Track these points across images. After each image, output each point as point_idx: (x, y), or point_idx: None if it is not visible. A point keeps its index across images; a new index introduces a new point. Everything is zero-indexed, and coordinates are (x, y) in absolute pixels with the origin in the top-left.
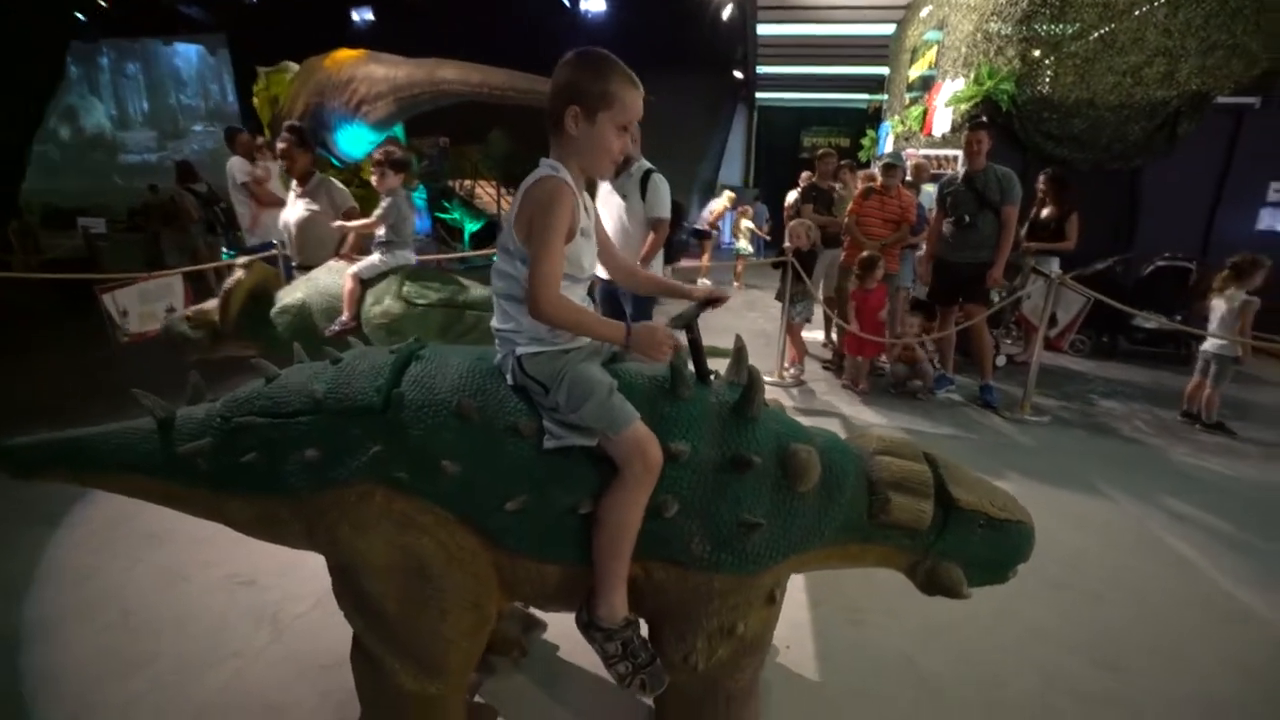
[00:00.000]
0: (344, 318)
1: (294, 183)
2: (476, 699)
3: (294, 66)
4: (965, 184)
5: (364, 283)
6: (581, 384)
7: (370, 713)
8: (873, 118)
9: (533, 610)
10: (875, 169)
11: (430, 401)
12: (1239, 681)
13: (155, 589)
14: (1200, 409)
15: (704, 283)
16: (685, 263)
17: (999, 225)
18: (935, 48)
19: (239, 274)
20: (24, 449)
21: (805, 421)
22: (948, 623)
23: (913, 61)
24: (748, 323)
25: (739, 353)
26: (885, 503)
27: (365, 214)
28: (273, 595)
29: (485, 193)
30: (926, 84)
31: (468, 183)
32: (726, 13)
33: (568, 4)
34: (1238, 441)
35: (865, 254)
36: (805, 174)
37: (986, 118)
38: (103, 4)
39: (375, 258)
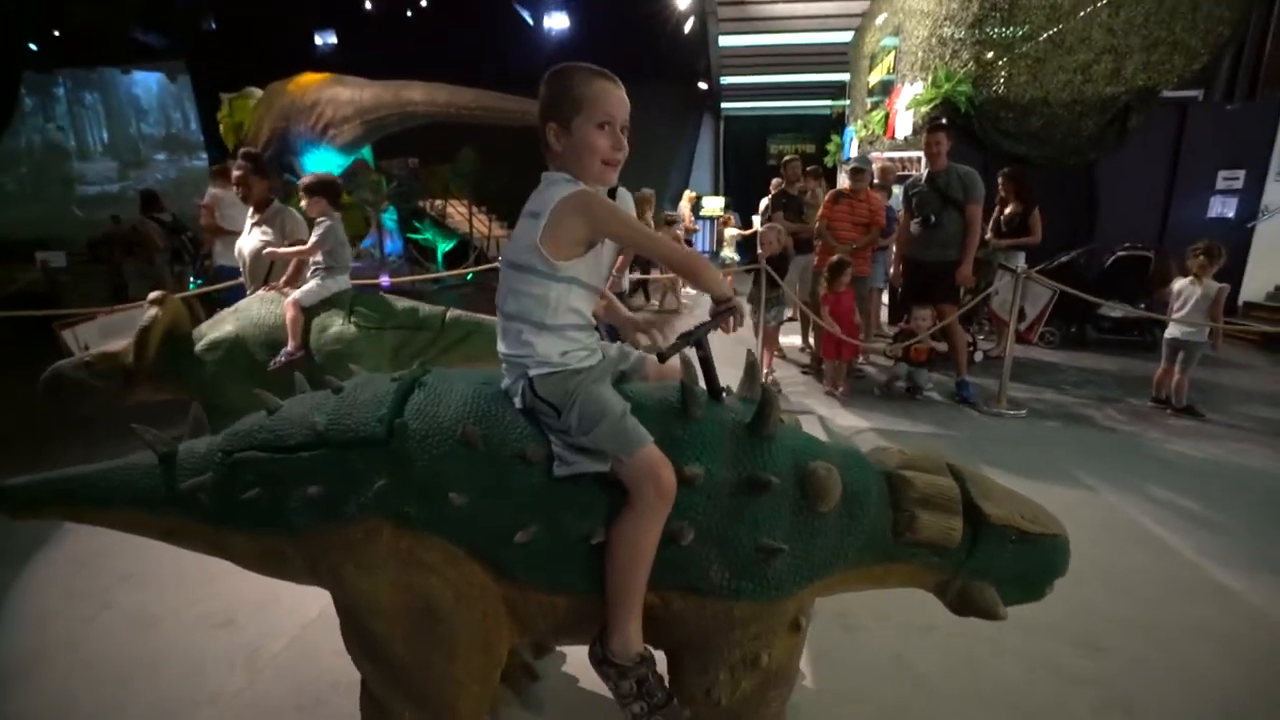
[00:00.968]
0: (289, 348)
1: (250, 210)
2: None
3: (257, 92)
4: (929, 184)
5: (305, 310)
6: (594, 405)
7: None
8: (837, 123)
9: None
10: (843, 173)
11: (434, 430)
12: (1214, 654)
13: (124, 634)
14: (1170, 394)
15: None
16: (658, 275)
17: (964, 223)
18: (893, 53)
19: (153, 311)
20: (22, 488)
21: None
22: (934, 621)
23: (872, 67)
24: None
25: (750, 368)
26: (911, 520)
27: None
28: (249, 635)
29: (457, 212)
30: (886, 88)
31: (439, 202)
32: (688, 26)
33: (531, 22)
34: (1207, 424)
35: (834, 258)
36: (776, 180)
37: (946, 119)
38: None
39: (314, 284)
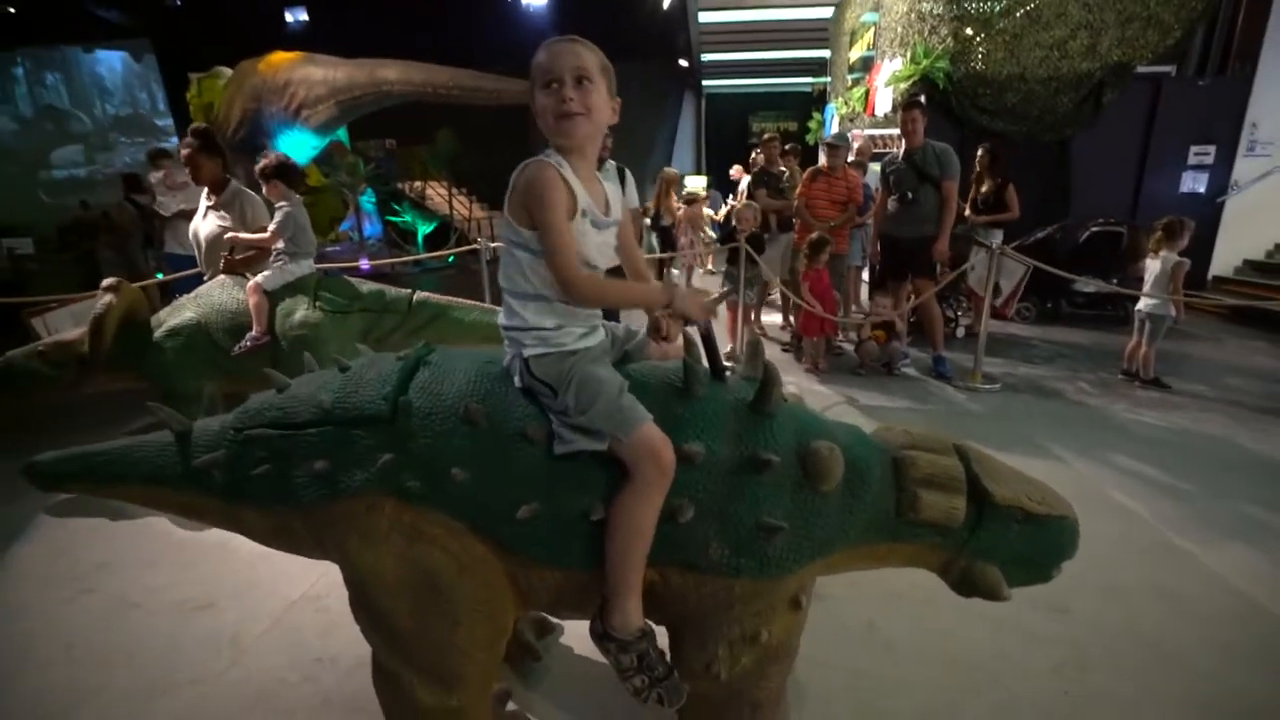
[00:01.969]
0: (254, 333)
1: (205, 192)
2: (509, 706)
3: (227, 71)
4: (906, 161)
5: (269, 295)
6: (590, 384)
7: None
8: (819, 100)
9: (546, 615)
10: (822, 151)
11: (438, 408)
12: (1169, 613)
13: (102, 619)
14: (1138, 367)
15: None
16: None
17: (940, 199)
18: (873, 29)
19: (108, 298)
20: (50, 463)
21: None
22: (905, 588)
23: (852, 43)
24: None
25: (754, 346)
26: (914, 500)
27: (316, 221)
28: (230, 617)
29: (436, 193)
30: (866, 65)
31: (418, 184)
32: (667, 1)
33: None
34: (1173, 395)
35: (813, 235)
36: (753, 156)
37: (925, 95)
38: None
39: (277, 268)
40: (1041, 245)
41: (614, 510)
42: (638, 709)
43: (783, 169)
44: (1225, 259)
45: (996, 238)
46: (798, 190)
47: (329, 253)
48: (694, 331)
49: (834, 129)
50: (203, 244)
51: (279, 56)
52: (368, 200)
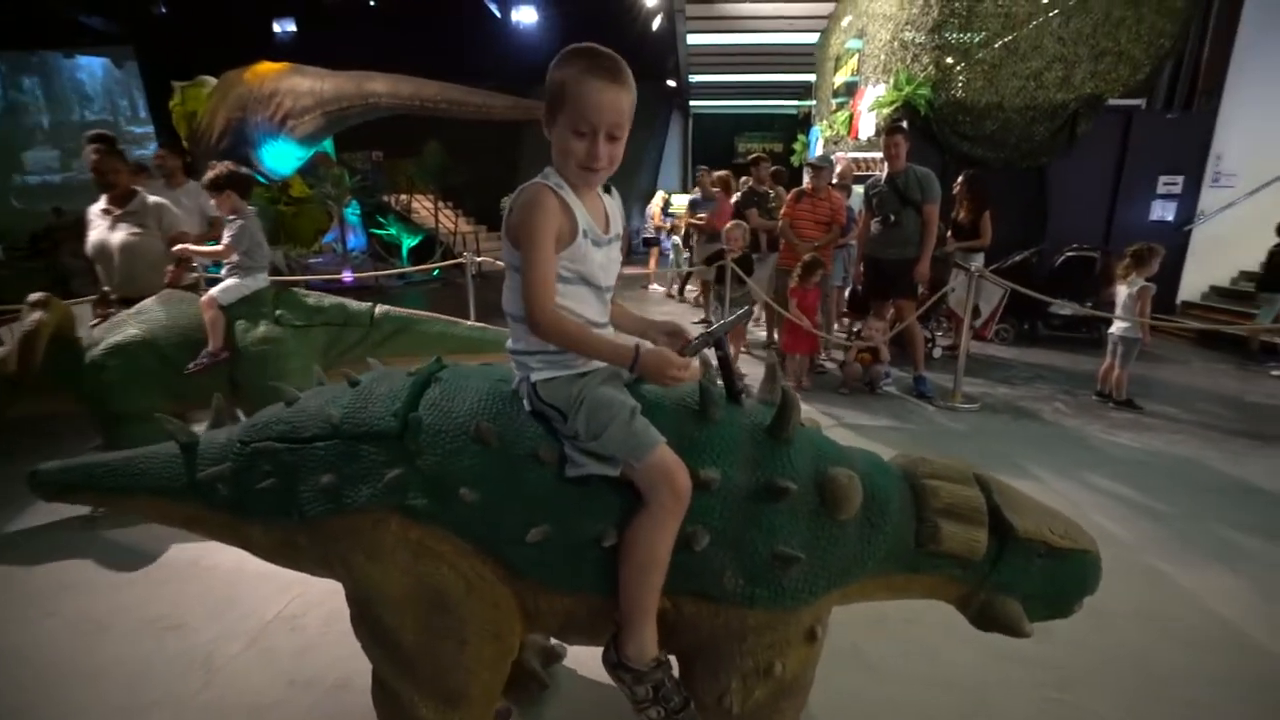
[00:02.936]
0: (212, 348)
1: (103, 204)
2: None
3: (212, 80)
4: (888, 184)
5: (224, 309)
6: (602, 409)
7: None
8: (803, 123)
9: (553, 641)
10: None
11: (448, 426)
12: (1148, 634)
13: (68, 641)
14: (1111, 388)
15: (655, 288)
16: (631, 270)
17: (922, 223)
18: (857, 55)
19: (38, 314)
20: (53, 472)
21: None
22: (890, 609)
23: (837, 69)
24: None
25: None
26: (935, 531)
27: (300, 232)
28: (203, 637)
29: (423, 207)
30: (851, 89)
31: (404, 197)
32: (656, 23)
33: (498, 14)
34: (1145, 416)
35: (808, 257)
36: (744, 179)
37: (907, 121)
38: None
39: (232, 282)
40: (1019, 269)
41: (628, 537)
42: None
43: (769, 189)
44: (1193, 285)
45: (976, 261)
46: (783, 211)
47: (312, 264)
48: (711, 354)
49: (818, 151)
50: (115, 256)
51: (265, 66)
52: (353, 212)
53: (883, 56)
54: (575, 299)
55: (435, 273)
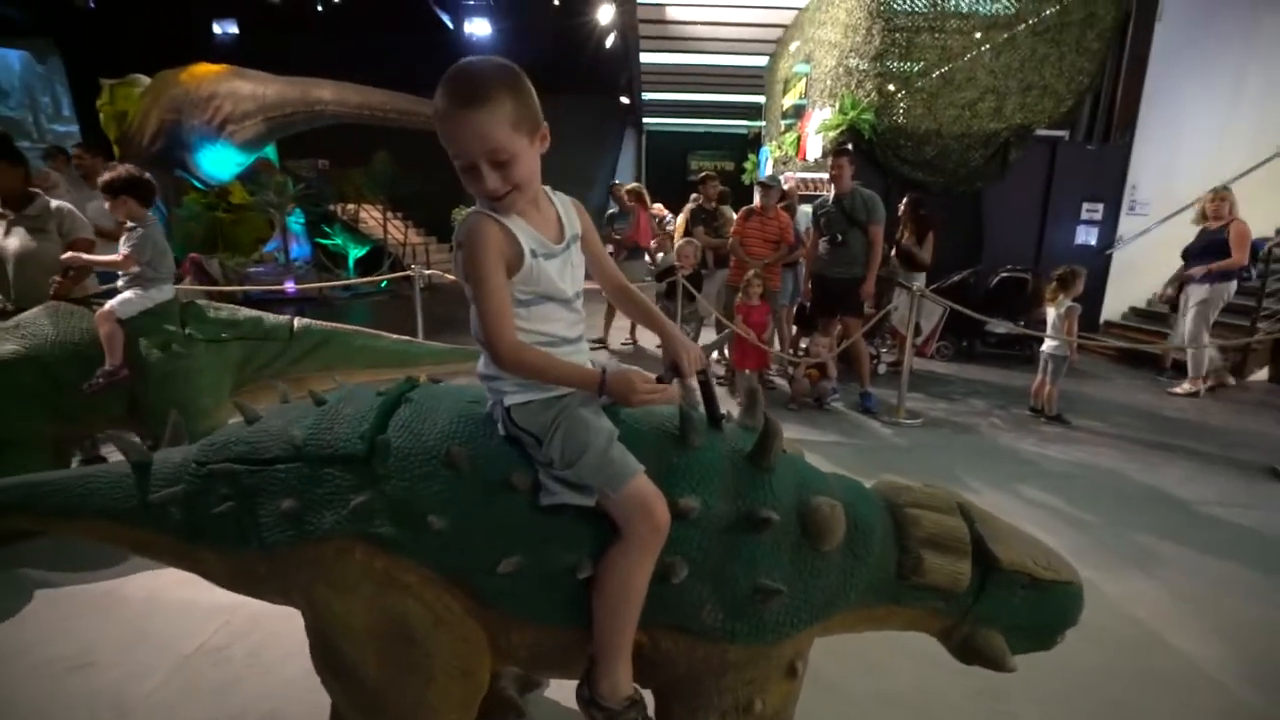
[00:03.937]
0: (109, 365)
1: None
2: None
3: (145, 79)
4: (835, 205)
5: (123, 323)
6: (578, 434)
7: None
8: (753, 143)
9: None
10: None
11: (418, 449)
12: (1080, 642)
13: None
14: (1043, 404)
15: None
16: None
17: (868, 243)
18: (804, 79)
19: None
20: None
21: None
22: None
23: (785, 91)
24: (643, 340)
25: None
26: (918, 562)
27: (239, 240)
28: (113, 676)
29: (371, 217)
30: (799, 112)
31: (351, 207)
32: (610, 40)
33: (450, 26)
34: (1073, 430)
35: (749, 273)
36: (694, 195)
37: (852, 144)
38: None
39: (132, 294)
40: (957, 288)
41: (603, 569)
42: None
43: (717, 206)
44: (1114, 305)
45: (918, 280)
46: (732, 229)
47: (252, 274)
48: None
49: (768, 171)
50: (9, 263)
51: (203, 68)
52: (296, 221)
53: (829, 81)
54: (540, 319)
55: (383, 284)
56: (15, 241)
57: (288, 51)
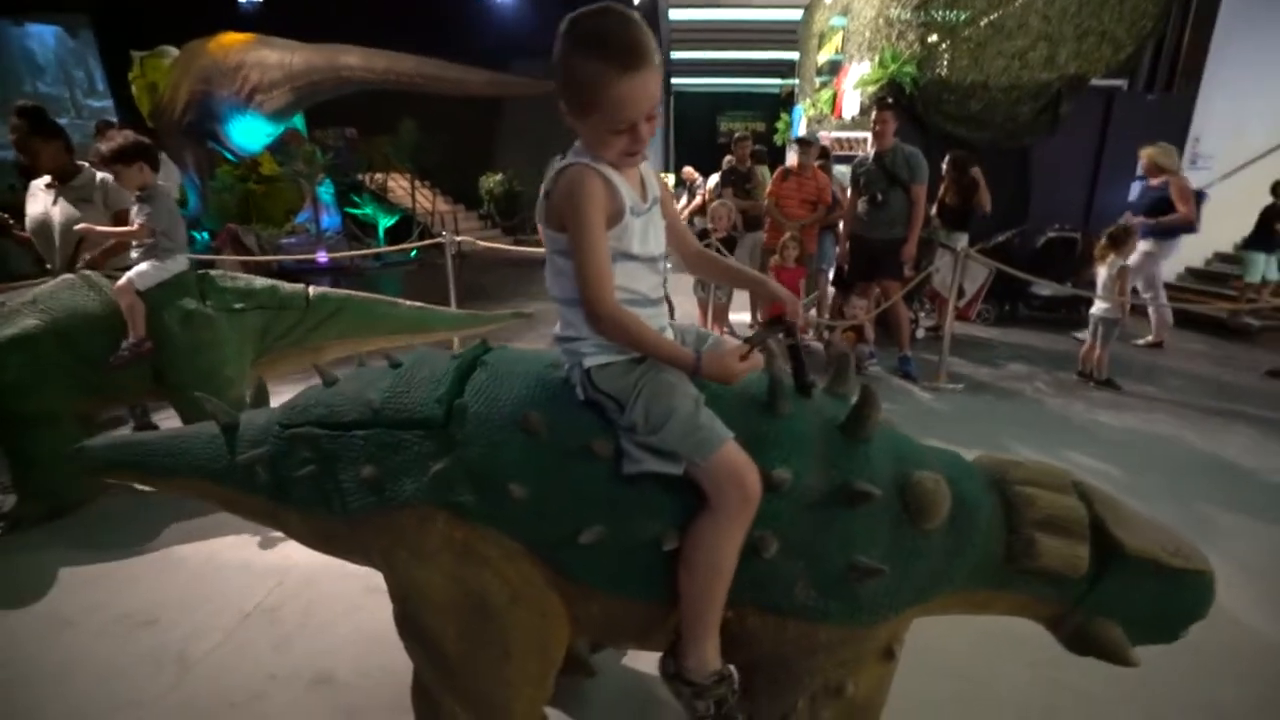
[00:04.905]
0: (133, 339)
1: (47, 178)
2: None
3: (174, 51)
4: (875, 163)
5: (143, 295)
6: (662, 399)
7: None
8: (786, 101)
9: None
10: (791, 151)
11: (495, 414)
12: None
13: (31, 639)
14: (1092, 368)
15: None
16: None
17: (909, 203)
18: (841, 33)
19: None
20: (101, 450)
21: None
22: None
23: (820, 46)
24: (676, 305)
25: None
26: (1030, 545)
27: (270, 212)
28: (176, 634)
29: (399, 186)
30: (834, 68)
31: (379, 176)
32: None
33: None
34: (1124, 396)
35: (787, 235)
36: (727, 158)
37: (892, 99)
38: None
39: (148, 266)
40: (1001, 249)
41: (691, 541)
42: None
43: (751, 167)
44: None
45: (961, 241)
46: (768, 190)
47: (284, 245)
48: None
49: (801, 130)
50: (55, 236)
51: (230, 37)
52: (326, 191)
53: (868, 34)
54: (626, 275)
55: (413, 253)
56: (61, 212)
57: (314, 17)
